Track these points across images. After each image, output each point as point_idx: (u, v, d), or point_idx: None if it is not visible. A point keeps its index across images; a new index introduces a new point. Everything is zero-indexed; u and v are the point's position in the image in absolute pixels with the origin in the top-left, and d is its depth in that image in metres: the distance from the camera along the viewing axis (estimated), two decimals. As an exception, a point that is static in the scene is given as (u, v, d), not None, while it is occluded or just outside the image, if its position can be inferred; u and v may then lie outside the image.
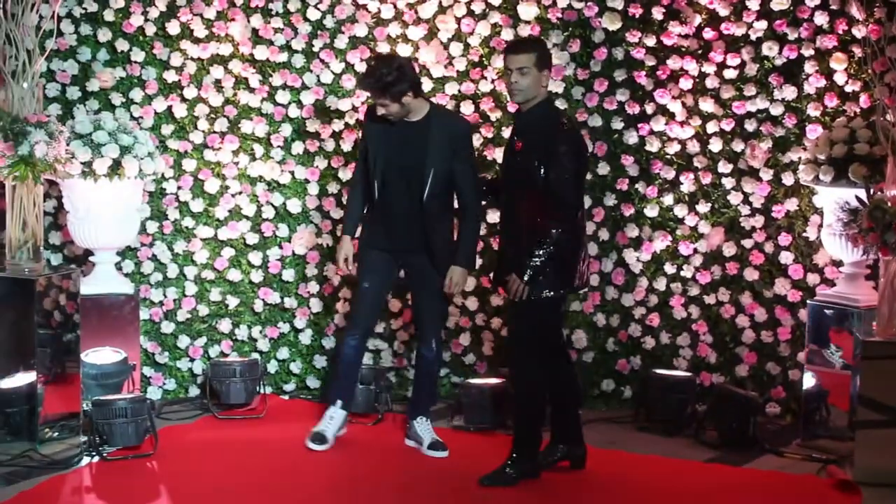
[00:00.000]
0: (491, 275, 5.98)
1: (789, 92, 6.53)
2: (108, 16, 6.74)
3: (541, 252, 5.25)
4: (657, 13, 6.69)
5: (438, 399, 6.56)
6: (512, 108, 6.42)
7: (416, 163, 5.73)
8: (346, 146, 6.81)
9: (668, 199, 6.78)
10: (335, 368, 6.22)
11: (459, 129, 5.90)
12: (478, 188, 5.86)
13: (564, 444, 5.69)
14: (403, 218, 5.82)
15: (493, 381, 6.45)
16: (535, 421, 5.57)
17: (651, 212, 6.79)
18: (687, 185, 6.74)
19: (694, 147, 6.72)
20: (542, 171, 5.27)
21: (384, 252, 5.91)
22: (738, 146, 6.66)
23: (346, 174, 6.73)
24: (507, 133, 6.29)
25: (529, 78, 5.38)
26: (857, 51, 6.38)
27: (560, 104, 6.65)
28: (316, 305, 6.93)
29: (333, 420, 6.01)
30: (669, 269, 6.81)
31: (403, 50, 6.79)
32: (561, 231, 5.27)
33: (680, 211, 6.78)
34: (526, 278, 5.26)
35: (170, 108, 6.84)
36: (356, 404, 6.31)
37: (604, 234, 6.84)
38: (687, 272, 6.78)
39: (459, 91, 6.74)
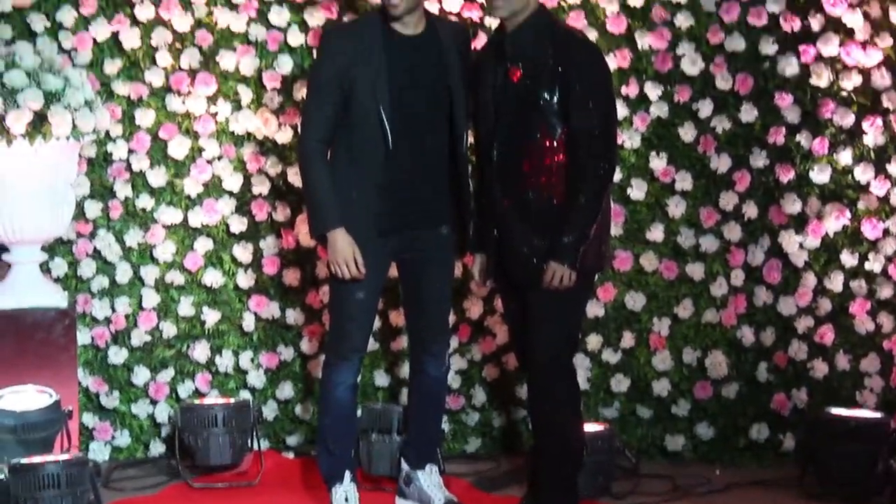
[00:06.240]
0: (476, 261, 5.84)
1: None
2: None
3: (585, 221, 5.33)
4: None
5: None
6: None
7: (437, 95, 5.64)
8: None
9: (844, 157, 6.36)
10: (323, 424, 5.95)
11: (466, 33, 5.92)
12: None
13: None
14: (423, 175, 5.67)
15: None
16: (580, 457, 5.68)
17: (820, 176, 6.38)
18: (872, 135, 6.32)
19: (883, 79, 6.31)
20: (557, 104, 5.33)
21: (382, 238, 5.66)
22: (947, 77, 6.42)
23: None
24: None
25: None
26: None
27: (685, 19, 6.35)
28: (333, 320, 6.76)
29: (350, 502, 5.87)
30: (848, 259, 6.40)
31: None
32: (602, 189, 5.38)
33: (863, 174, 6.34)
34: (568, 262, 5.33)
35: (115, 34, 6.51)
36: (380, 463, 6.23)
37: (750, 210, 6.48)
38: (874, 264, 6.38)
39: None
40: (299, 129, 5.93)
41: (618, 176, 6.24)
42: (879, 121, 6.30)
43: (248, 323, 6.65)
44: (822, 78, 6.32)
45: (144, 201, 6.55)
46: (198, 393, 6.62)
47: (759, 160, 6.44)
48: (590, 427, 6.04)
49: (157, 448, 6.60)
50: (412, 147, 5.59)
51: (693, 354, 6.50)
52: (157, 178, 6.53)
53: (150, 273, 6.59)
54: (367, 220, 5.60)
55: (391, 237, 5.65)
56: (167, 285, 6.62)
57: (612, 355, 6.51)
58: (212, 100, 6.54)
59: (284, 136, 6.51)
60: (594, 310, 6.50)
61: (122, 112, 6.48)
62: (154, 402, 6.62)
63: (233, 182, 6.56)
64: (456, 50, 5.68)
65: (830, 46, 6.29)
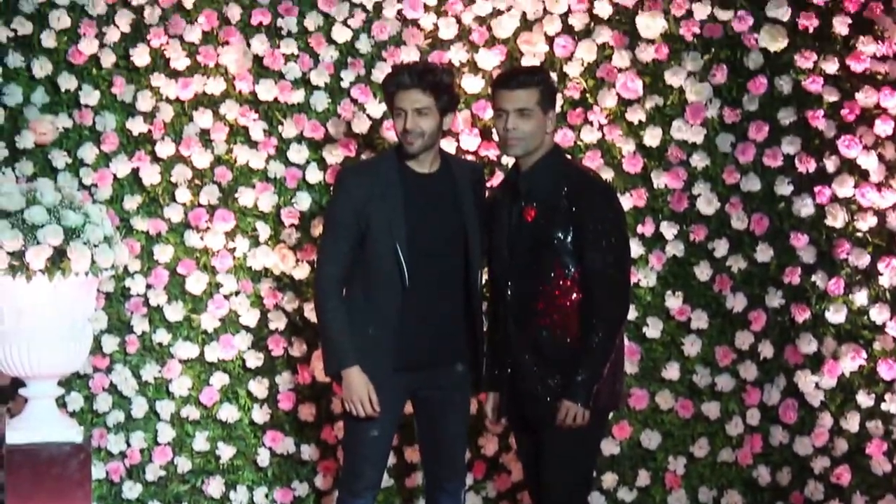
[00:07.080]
0: (488, 399, 5.79)
1: None
2: (48, 40, 6.48)
3: (599, 360, 5.29)
4: (840, 26, 6.42)
5: None
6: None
7: (452, 232, 5.61)
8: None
9: (860, 298, 6.43)
10: None
11: (481, 172, 5.92)
12: None
13: None
14: (439, 312, 5.60)
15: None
16: None
17: (836, 316, 6.43)
18: (888, 276, 6.39)
19: (898, 220, 6.40)
20: (571, 244, 5.36)
21: (397, 375, 5.58)
22: (960, 218, 6.50)
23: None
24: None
25: (532, 122, 5.40)
26: None
27: (700, 159, 6.42)
28: (347, 455, 6.54)
29: None
30: (865, 400, 6.43)
31: (472, 84, 6.54)
32: (616, 328, 5.36)
33: (878, 314, 6.40)
34: (581, 401, 5.29)
35: (135, 171, 6.55)
36: None
37: (766, 350, 6.49)
38: (891, 405, 6.40)
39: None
40: (316, 266, 5.88)
41: (633, 314, 6.28)
42: (895, 262, 6.36)
43: (263, 458, 6.60)
44: (837, 219, 6.36)
45: (161, 336, 6.56)
46: (212, 528, 6.55)
47: (774, 300, 6.47)
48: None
49: (172, 586, 6.59)
50: (428, 284, 5.54)
51: (709, 494, 6.48)
52: (175, 313, 6.55)
53: (165, 408, 6.57)
54: (383, 357, 5.55)
55: (407, 374, 5.59)
56: (182, 420, 6.59)
57: (627, 494, 6.48)
58: (230, 236, 6.57)
59: (301, 272, 6.51)
60: (609, 448, 6.45)
61: (140, 247, 6.53)
62: (169, 538, 6.56)
63: (250, 317, 6.57)
64: (470, 189, 5.68)
65: (846, 188, 6.35)
